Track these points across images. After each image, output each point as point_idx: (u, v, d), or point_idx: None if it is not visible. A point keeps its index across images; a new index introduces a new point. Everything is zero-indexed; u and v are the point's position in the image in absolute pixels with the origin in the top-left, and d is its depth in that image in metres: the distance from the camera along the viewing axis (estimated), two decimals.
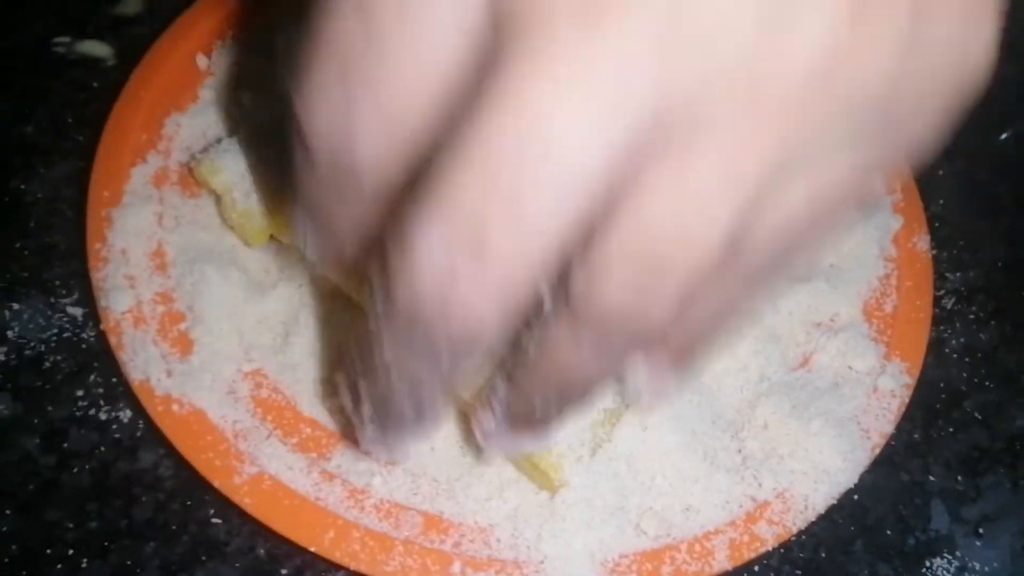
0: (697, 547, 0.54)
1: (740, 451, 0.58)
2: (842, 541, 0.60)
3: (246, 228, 0.59)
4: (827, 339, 0.62)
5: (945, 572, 0.60)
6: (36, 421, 0.59)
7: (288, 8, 0.73)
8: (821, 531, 0.60)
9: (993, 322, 0.70)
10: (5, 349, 0.61)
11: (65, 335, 0.62)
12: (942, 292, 0.71)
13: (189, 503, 0.57)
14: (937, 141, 0.36)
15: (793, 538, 0.56)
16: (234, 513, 0.56)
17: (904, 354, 0.62)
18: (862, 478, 0.57)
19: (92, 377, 0.61)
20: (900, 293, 0.65)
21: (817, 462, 0.57)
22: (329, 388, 0.58)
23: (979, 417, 0.66)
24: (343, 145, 0.35)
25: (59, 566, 0.55)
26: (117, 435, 0.59)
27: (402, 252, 0.34)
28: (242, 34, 0.71)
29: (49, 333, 0.62)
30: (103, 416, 0.60)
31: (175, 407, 0.55)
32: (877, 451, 0.58)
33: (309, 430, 0.57)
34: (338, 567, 0.53)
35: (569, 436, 0.53)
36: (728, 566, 0.54)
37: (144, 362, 0.56)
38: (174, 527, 0.56)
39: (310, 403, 0.58)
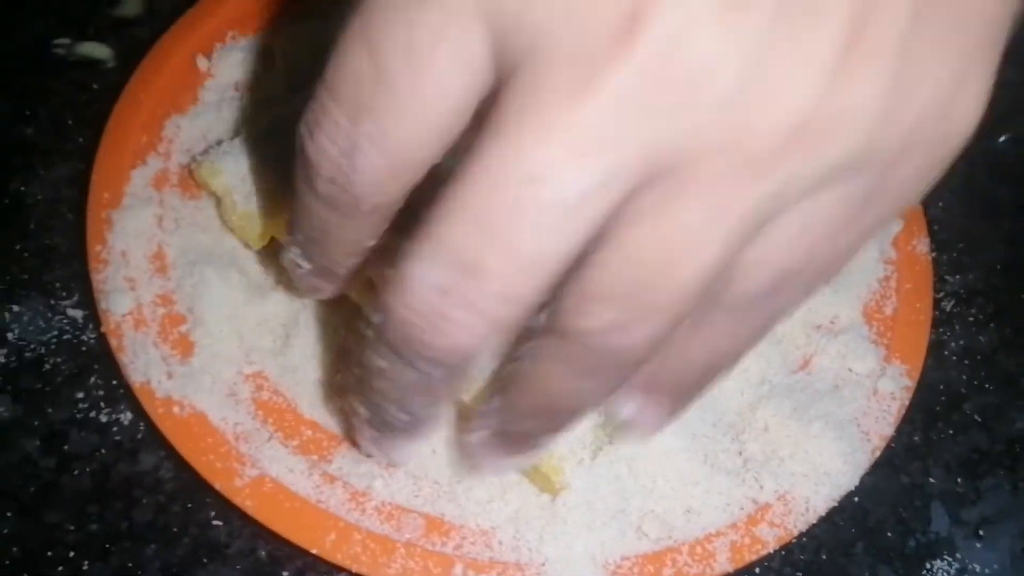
0: (698, 549, 0.54)
1: (741, 453, 0.58)
2: (843, 543, 0.60)
3: (246, 230, 0.59)
4: (827, 341, 0.62)
5: (945, 574, 0.60)
6: (36, 423, 0.59)
7: (288, 10, 0.73)
8: (822, 533, 0.60)
9: (992, 324, 0.70)
10: (5, 351, 0.61)
11: (65, 337, 0.62)
12: (941, 295, 0.71)
13: (190, 505, 0.57)
14: (925, 189, 0.37)
15: (794, 540, 0.56)
16: (235, 515, 0.56)
17: (904, 356, 0.62)
18: (862, 480, 0.58)
19: (92, 379, 0.61)
20: (900, 295, 0.65)
21: (818, 464, 0.57)
22: (330, 389, 0.58)
23: (979, 419, 0.66)
24: (347, 171, 0.37)
25: (60, 568, 0.55)
26: (117, 437, 0.59)
27: (400, 272, 0.36)
28: (242, 36, 0.71)
29: (49, 335, 0.62)
30: (103, 418, 0.60)
31: (176, 409, 0.55)
32: (877, 453, 0.58)
33: (310, 432, 0.57)
34: (339, 569, 0.53)
35: (570, 439, 0.53)
36: (729, 568, 0.54)
37: (145, 364, 0.56)
38: (175, 529, 0.56)
39: (311, 405, 0.58)
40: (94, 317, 0.61)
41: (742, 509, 0.56)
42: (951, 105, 0.35)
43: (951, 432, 0.65)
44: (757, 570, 0.58)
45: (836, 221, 0.36)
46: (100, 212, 0.61)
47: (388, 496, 0.55)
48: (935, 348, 0.67)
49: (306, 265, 0.46)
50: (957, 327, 0.70)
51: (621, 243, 0.35)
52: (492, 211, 0.34)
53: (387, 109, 0.36)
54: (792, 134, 0.33)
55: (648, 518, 0.54)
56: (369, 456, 0.52)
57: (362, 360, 0.42)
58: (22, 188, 0.68)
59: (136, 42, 0.74)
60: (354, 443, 0.55)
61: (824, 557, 0.59)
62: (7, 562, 0.55)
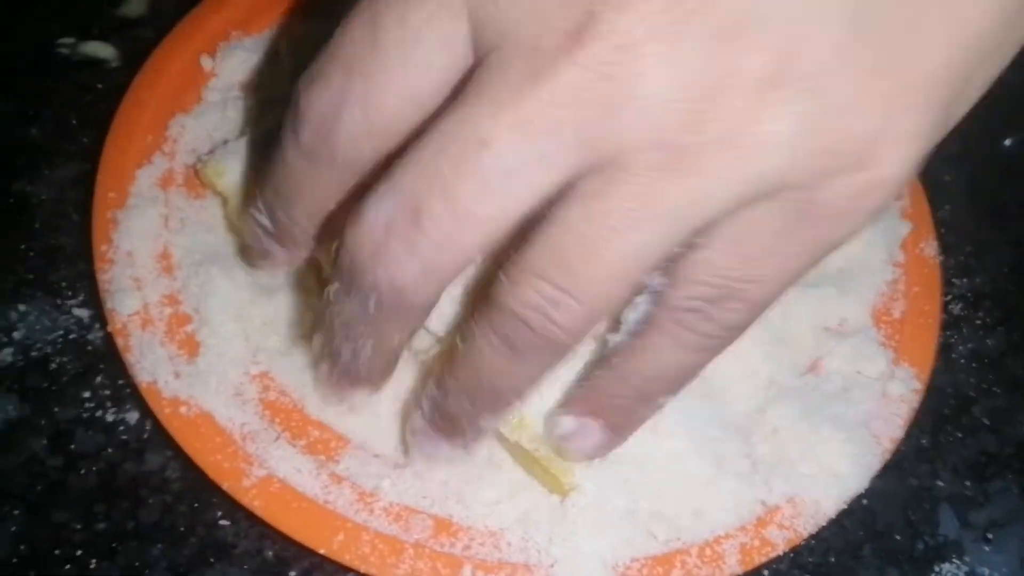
0: (707, 551, 0.54)
1: (750, 455, 0.57)
2: (851, 546, 0.60)
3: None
4: (836, 344, 0.62)
5: None
6: (43, 422, 0.59)
7: (291, 9, 0.73)
8: (830, 536, 0.59)
9: (1000, 328, 0.70)
10: (12, 350, 0.61)
11: (71, 337, 0.62)
12: (949, 297, 0.71)
13: (196, 505, 0.57)
14: (863, 218, 0.40)
15: (802, 542, 0.55)
16: (242, 515, 0.56)
17: (913, 359, 0.62)
18: (871, 483, 0.57)
19: (98, 379, 0.61)
20: (908, 298, 0.65)
21: (827, 466, 0.57)
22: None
23: (987, 423, 0.66)
24: (330, 123, 0.42)
25: (67, 567, 0.55)
26: (124, 437, 0.59)
27: (354, 215, 0.41)
28: (246, 35, 0.71)
29: (55, 334, 0.62)
30: (110, 418, 0.59)
31: (183, 409, 0.55)
32: (887, 456, 0.58)
33: (317, 433, 0.56)
34: (347, 570, 0.53)
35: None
36: (738, 570, 0.54)
37: (151, 364, 0.56)
38: (182, 529, 0.56)
39: (318, 406, 0.58)
40: (100, 316, 0.61)
41: (751, 511, 0.55)
42: (874, 141, 0.38)
43: (959, 435, 0.65)
44: (766, 572, 0.58)
45: (769, 235, 0.40)
46: (106, 212, 0.61)
47: (396, 497, 0.54)
48: (943, 351, 0.67)
49: (267, 224, 0.49)
50: (965, 330, 0.70)
51: (556, 222, 0.39)
52: (441, 165, 0.38)
53: (376, 73, 0.40)
54: (718, 142, 0.37)
55: (657, 520, 0.54)
56: (325, 400, 0.54)
57: (324, 304, 0.46)
58: (27, 188, 0.68)
59: (140, 42, 0.75)
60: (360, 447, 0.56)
61: (832, 559, 0.59)
62: (15, 560, 0.54)
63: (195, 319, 0.58)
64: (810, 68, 0.36)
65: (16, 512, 0.56)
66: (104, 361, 0.61)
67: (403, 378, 0.55)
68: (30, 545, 0.55)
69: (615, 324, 0.48)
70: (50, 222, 0.66)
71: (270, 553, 0.56)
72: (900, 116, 0.38)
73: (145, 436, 0.59)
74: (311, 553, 0.53)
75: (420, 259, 0.40)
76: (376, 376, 0.49)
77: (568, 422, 0.49)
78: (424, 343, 0.54)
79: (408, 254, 0.40)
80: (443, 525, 0.54)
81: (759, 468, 0.57)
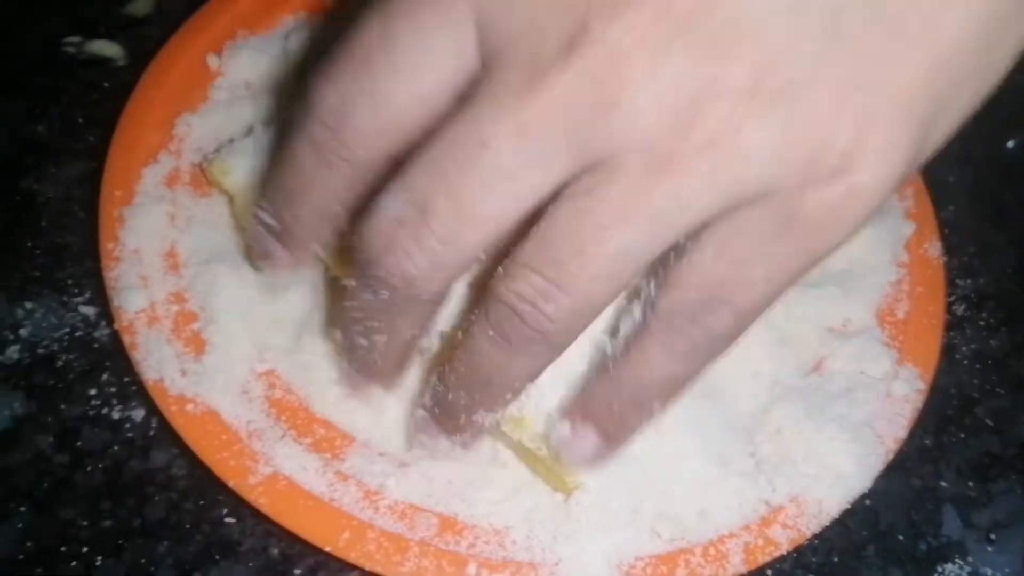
0: (712, 551, 0.54)
1: (754, 455, 0.58)
2: (854, 546, 0.60)
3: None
4: (840, 344, 0.62)
5: None
6: (49, 420, 0.59)
7: (298, 8, 0.73)
8: (834, 536, 0.60)
9: (1004, 328, 0.70)
10: (18, 348, 0.61)
11: (77, 334, 0.62)
12: (953, 298, 0.71)
13: (202, 503, 0.57)
14: (845, 231, 0.41)
15: (806, 542, 0.56)
16: (247, 513, 0.56)
17: (917, 359, 0.62)
18: (874, 484, 0.57)
19: (105, 376, 0.61)
20: (912, 299, 0.65)
21: (831, 467, 0.57)
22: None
23: (990, 423, 0.66)
24: (341, 119, 0.43)
25: (74, 563, 0.55)
26: (130, 434, 0.59)
27: (369, 209, 0.44)
28: (252, 34, 0.71)
29: (62, 332, 0.62)
30: (116, 415, 0.60)
31: (189, 407, 0.55)
32: (891, 456, 0.58)
33: (323, 431, 0.57)
34: (352, 567, 0.53)
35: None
36: (743, 569, 0.54)
37: (158, 362, 0.56)
38: (187, 526, 0.56)
39: (323, 404, 0.58)
40: (106, 314, 0.61)
41: (755, 511, 0.56)
42: (851, 153, 0.39)
43: (962, 436, 0.65)
44: (769, 572, 0.58)
45: (755, 241, 0.41)
46: (112, 210, 0.61)
47: (401, 495, 0.55)
48: (947, 352, 0.67)
49: (271, 224, 0.50)
50: (968, 331, 0.70)
51: (550, 219, 0.41)
52: (447, 164, 0.41)
53: (387, 73, 0.42)
54: (702, 147, 0.38)
55: (661, 519, 0.54)
56: (349, 392, 0.56)
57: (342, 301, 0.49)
58: (34, 186, 0.68)
59: (146, 41, 0.75)
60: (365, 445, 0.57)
61: (836, 559, 0.59)
62: (21, 557, 0.55)
63: (201, 317, 0.59)
64: (788, 80, 0.38)
65: (22, 509, 0.56)
66: (110, 359, 0.61)
67: (409, 376, 0.55)
68: (36, 542, 0.55)
69: (612, 331, 0.49)
70: (57, 220, 0.67)
71: (275, 551, 0.56)
72: (875, 130, 0.39)
73: (151, 433, 0.59)
74: (316, 551, 0.53)
75: (427, 253, 0.42)
76: (391, 369, 0.51)
77: (564, 429, 0.50)
78: (430, 341, 0.54)
79: (416, 248, 0.42)
80: (448, 523, 0.54)
81: (763, 468, 0.57)
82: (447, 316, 0.53)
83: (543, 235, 0.41)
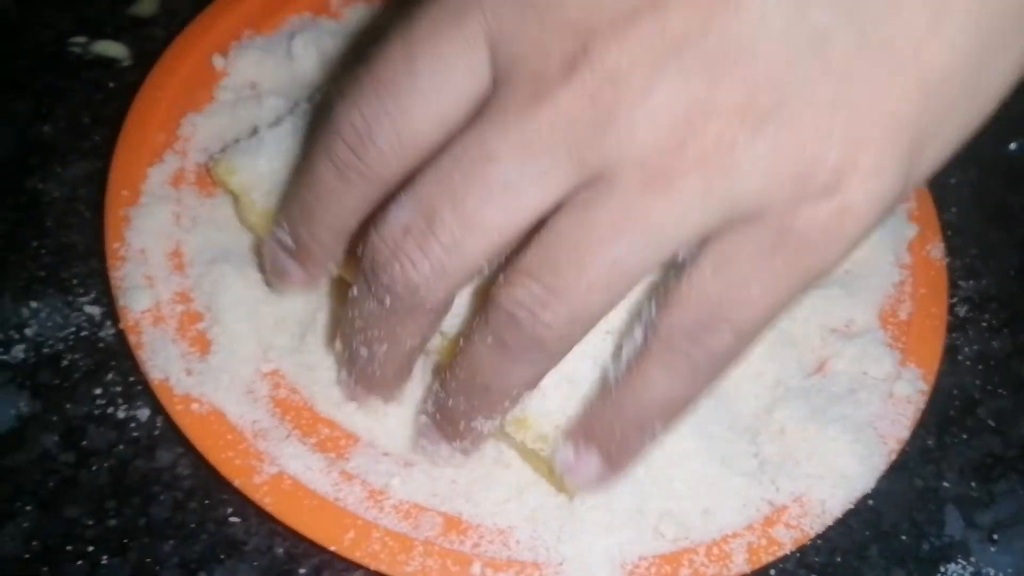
0: (715, 550, 0.54)
1: (757, 455, 0.58)
2: (857, 546, 0.60)
3: (265, 229, 0.59)
4: (843, 345, 0.63)
5: None
6: (55, 419, 0.59)
7: (303, 9, 0.73)
8: (837, 536, 0.60)
9: (1006, 330, 0.70)
10: (24, 347, 0.61)
11: (83, 334, 0.62)
12: (955, 300, 0.71)
13: (207, 502, 0.57)
14: (841, 249, 0.42)
15: (809, 542, 0.56)
16: (252, 512, 0.56)
17: (920, 360, 0.62)
18: (877, 484, 0.58)
19: (110, 375, 0.61)
20: (915, 300, 0.65)
21: (834, 467, 0.57)
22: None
23: (992, 424, 0.66)
24: (364, 140, 0.45)
25: (79, 563, 0.55)
26: (135, 433, 0.59)
27: (378, 218, 0.45)
28: (258, 35, 0.72)
29: (67, 331, 0.62)
30: (121, 414, 0.60)
31: (194, 406, 0.55)
32: (893, 456, 0.58)
33: (327, 431, 0.57)
34: (356, 566, 0.53)
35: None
36: (746, 569, 0.54)
37: (163, 361, 0.56)
38: (193, 525, 0.57)
39: (327, 404, 0.58)
40: (111, 314, 0.61)
41: (758, 511, 0.56)
42: (840, 172, 0.40)
43: (965, 436, 0.65)
44: (772, 572, 0.58)
45: (751, 259, 0.42)
46: (118, 210, 0.61)
47: (406, 495, 0.55)
48: (949, 353, 0.67)
49: (289, 243, 0.52)
50: (971, 332, 0.70)
51: (550, 229, 0.43)
52: (454, 176, 0.43)
53: (409, 93, 0.44)
54: (695, 164, 0.40)
55: (665, 519, 0.54)
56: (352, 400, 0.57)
57: (346, 311, 0.50)
58: (40, 186, 0.68)
59: (152, 41, 0.75)
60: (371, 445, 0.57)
61: (839, 559, 0.60)
62: (27, 556, 0.55)
63: (207, 317, 0.59)
64: (778, 101, 0.39)
65: (28, 508, 0.56)
66: (116, 358, 0.61)
67: (415, 377, 0.55)
68: (42, 541, 0.55)
69: (614, 354, 0.51)
70: (62, 220, 0.67)
71: (280, 550, 0.56)
72: (864, 150, 0.40)
73: (156, 433, 0.59)
74: (321, 550, 0.53)
75: (431, 261, 0.44)
76: (390, 380, 0.53)
77: (567, 452, 0.50)
78: (436, 343, 0.54)
79: (421, 255, 0.44)
80: (452, 523, 0.54)
81: (766, 468, 0.57)
82: (454, 321, 0.54)
83: (543, 245, 0.43)
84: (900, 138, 0.40)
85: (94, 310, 0.63)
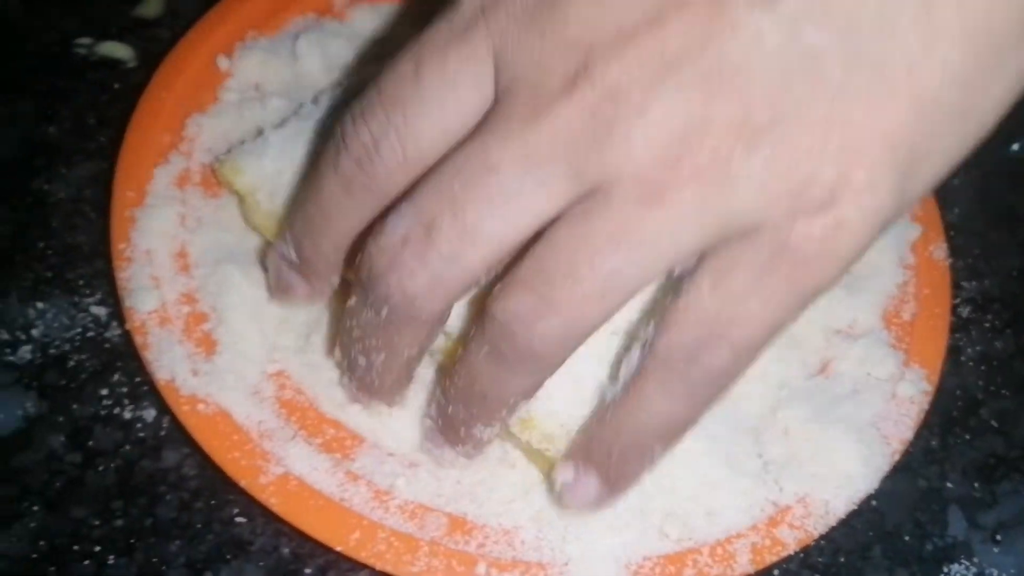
0: (719, 551, 0.54)
1: (761, 456, 0.58)
2: (861, 546, 0.60)
3: (270, 229, 0.60)
4: (847, 346, 0.63)
5: None
6: (61, 419, 0.59)
7: (307, 10, 0.74)
8: (840, 536, 0.60)
9: (1009, 331, 0.70)
10: (30, 348, 0.62)
11: (89, 334, 0.62)
12: (958, 300, 0.71)
13: (213, 502, 0.57)
14: (839, 264, 0.42)
15: (813, 543, 0.56)
16: (258, 512, 0.56)
17: (923, 361, 0.63)
18: (881, 484, 0.58)
19: (116, 376, 0.61)
20: (918, 301, 0.65)
21: (837, 467, 0.57)
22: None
23: (995, 425, 0.66)
24: (371, 154, 0.46)
25: (86, 562, 0.55)
26: (141, 434, 0.59)
27: (377, 228, 0.46)
28: (262, 36, 0.72)
29: (73, 332, 0.62)
30: (127, 415, 0.60)
31: (201, 407, 0.55)
32: (897, 457, 0.58)
33: (333, 431, 0.57)
34: (362, 567, 0.53)
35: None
36: (750, 569, 0.54)
37: (169, 362, 0.56)
38: (199, 526, 0.57)
39: (332, 404, 0.58)
40: (117, 314, 0.61)
41: (762, 511, 0.56)
42: (834, 187, 0.40)
43: (968, 437, 0.66)
44: (776, 572, 0.58)
45: (748, 275, 0.42)
46: (124, 211, 0.61)
47: (411, 495, 0.55)
48: (952, 354, 0.67)
49: (293, 257, 0.53)
50: (974, 333, 0.70)
51: (546, 240, 0.43)
52: (454, 186, 0.43)
53: (416, 107, 0.45)
54: (690, 178, 0.40)
55: (669, 519, 0.55)
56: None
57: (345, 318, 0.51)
58: (45, 187, 0.68)
59: (157, 42, 0.75)
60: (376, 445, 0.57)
61: (842, 560, 0.60)
62: (34, 556, 0.55)
63: (212, 317, 0.59)
64: (773, 117, 0.39)
65: (35, 508, 0.56)
66: (122, 359, 0.61)
67: (420, 378, 0.56)
68: (49, 541, 0.55)
69: (611, 377, 0.51)
70: (68, 221, 0.67)
71: (286, 550, 0.57)
72: (858, 166, 0.40)
73: (162, 433, 0.59)
74: (327, 550, 0.53)
75: (429, 270, 0.44)
76: (388, 388, 0.53)
77: (568, 473, 0.51)
78: (440, 343, 0.55)
79: (419, 265, 0.44)
80: (457, 523, 0.54)
81: (770, 468, 0.57)
82: (458, 322, 0.54)
83: (539, 255, 0.43)
84: (893, 155, 0.40)
85: (100, 311, 0.63)
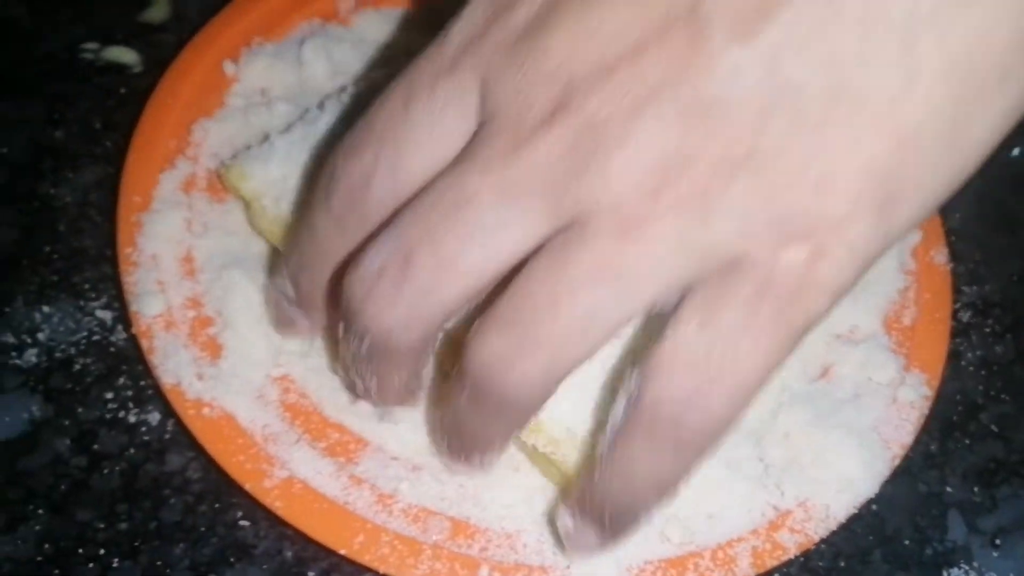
0: (720, 554, 0.55)
1: (762, 460, 0.58)
2: (860, 551, 0.60)
3: (275, 234, 0.60)
4: (847, 350, 0.63)
5: None
6: (67, 423, 0.60)
7: (313, 16, 0.74)
8: (840, 540, 0.60)
9: (1009, 335, 0.71)
10: (36, 351, 0.62)
11: (95, 338, 0.63)
12: (959, 305, 0.71)
13: (217, 505, 0.58)
14: (827, 301, 0.41)
15: (813, 547, 0.56)
16: (262, 516, 0.57)
17: (923, 366, 0.63)
18: (881, 488, 0.58)
19: (121, 380, 0.61)
20: (919, 305, 0.66)
21: (838, 471, 0.57)
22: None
23: (995, 429, 0.66)
24: (362, 189, 0.46)
25: (90, 565, 0.55)
26: (146, 437, 0.59)
27: (355, 260, 0.45)
28: (268, 41, 0.72)
29: (79, 336, 0.63)
30: (132, 419, 0.60)
31: (206, 411, 0.56)
32: (897, 461, 0.59)
33: (337, 435, 0.57)
34: (365, 570, 0.54)
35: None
36: (750, 573, 0.54)
37: (175, 366, 0.57)
38: (203, 529, 0.57)
39: (336, 408, 0.58)
40: (123, 319, 0.61)
41: (763, 515, 0.56)
42: (815, 219, 0.40)
43: (968, 442, 0.66)
44: None
45: (735, 310, 0.41)
46: (130, 215, 0.61)
47: (415, 499, 0.55)
48: (952, 358, 0.67)
49: (291, 293, 0.53)
50: (974, 338, 0.70)
51: (524, 275, 0.42)
52: (432, 217, 0.43)
53: (406, 141, 0.45)
54: (669, 210, 0.40)
55: (671, 523, 0.55)
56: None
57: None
58: (51, 191, 0.68)
59: (163, 47, 0.75)
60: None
61: (842, 564, 0.60)
62: (39, 559, 0.55)
63: (218, 322, 0.59)
64: (751, 149, 0.39)
65: (40, 512, 0.56)
66: (127, 363, 0.62)
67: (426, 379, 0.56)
68: (54, 544, 0.56)
69: (600, 426, 0.50)
70: (74, 225, 0.67)
71: (289, 553, 0.57)
72: (839, 198, 0.39)
73: (167, 437, 0.59)
74: (330, 554, 0.54)
75: (405, 303, 0.44)
76: (391, 405, 0.53)
77: (567, 519, 0.50)
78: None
79: (395, 297, 0.44)
80: (460, 527, 0.55)
81: (771, 472, 0.58)
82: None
83: (516, 292, 0.42)
84: (872, 187, 0.39)
85: (106, 315, 0.64)
